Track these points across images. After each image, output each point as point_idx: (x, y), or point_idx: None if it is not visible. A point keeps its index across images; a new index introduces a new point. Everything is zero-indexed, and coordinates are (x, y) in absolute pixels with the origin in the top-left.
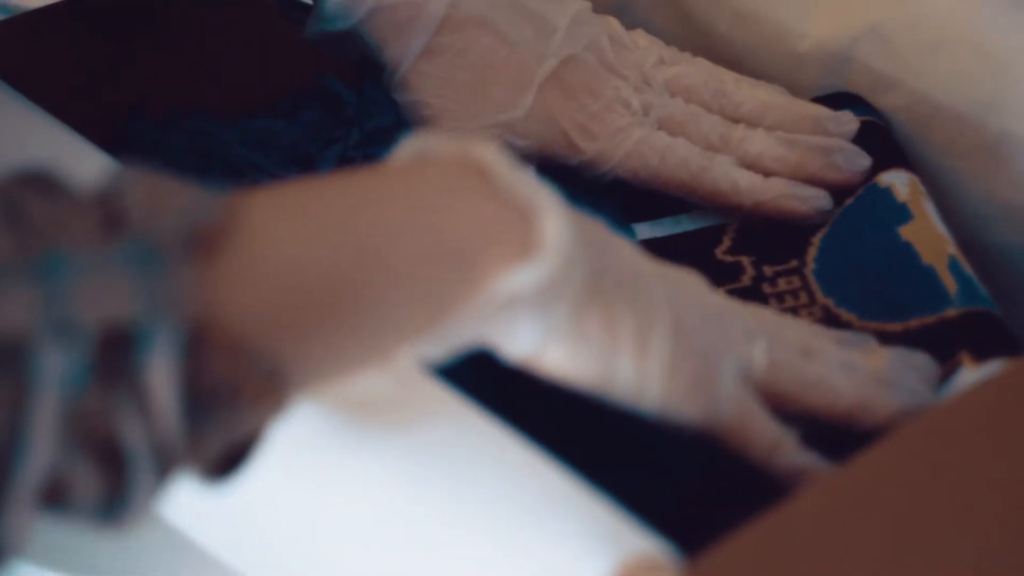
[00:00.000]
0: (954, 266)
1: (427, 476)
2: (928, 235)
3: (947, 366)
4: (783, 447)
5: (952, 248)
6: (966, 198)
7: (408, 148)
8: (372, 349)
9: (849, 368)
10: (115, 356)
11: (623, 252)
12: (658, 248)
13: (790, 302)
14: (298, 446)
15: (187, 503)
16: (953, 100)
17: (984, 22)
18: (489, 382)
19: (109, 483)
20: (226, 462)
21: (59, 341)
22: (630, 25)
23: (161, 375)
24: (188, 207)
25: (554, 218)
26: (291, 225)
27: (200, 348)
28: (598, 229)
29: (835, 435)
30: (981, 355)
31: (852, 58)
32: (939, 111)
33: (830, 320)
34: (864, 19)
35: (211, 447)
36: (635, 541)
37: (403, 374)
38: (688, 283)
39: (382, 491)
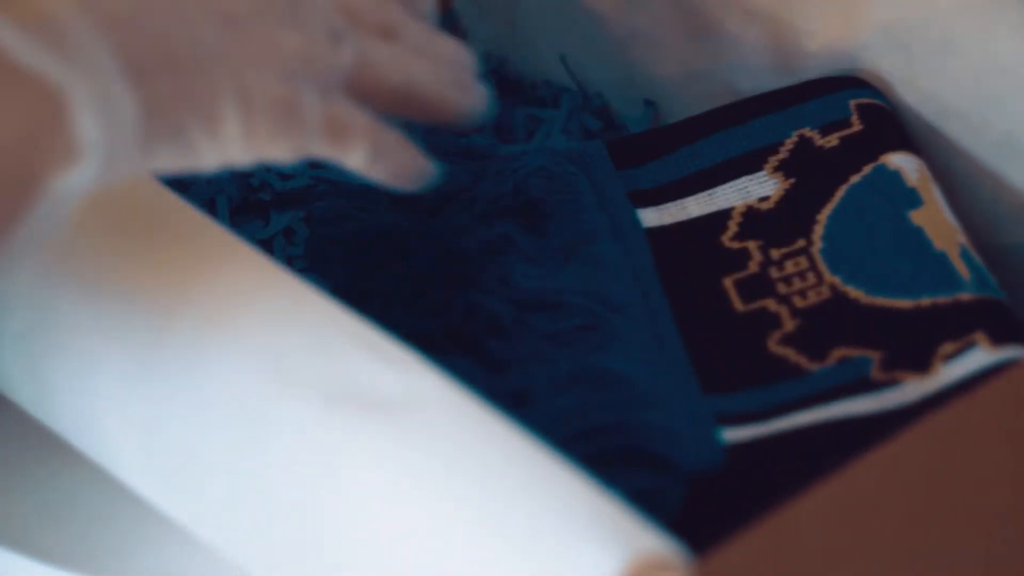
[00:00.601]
0: (966, 255)
1: (434, 473)
2: (938, 221)
3: (960, 343)
4: (386, 150)
5: (962, 238)
6: (974, 197)
7: None
8: None
9: (425, 57)
10: None
11: (178, 29)
12: (663, 237)
13: (797, 284)
14: (303, 446)
15: (185, 498)
16: (961, 100)
17: (992, 22)
18: (496, 383)
19: None
20: None
21: None
22: (639, 22)
23: None
24: None
25: (86, 108)
26: None
27: None
28: (147, 32)
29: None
30: (998, 339)
31: (861, 57)
32: (947, 110)
33: (838, 298)
34: (873, 18)
35: None
36: (644, 539)
37: (410, 373)
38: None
39: (389, 488)
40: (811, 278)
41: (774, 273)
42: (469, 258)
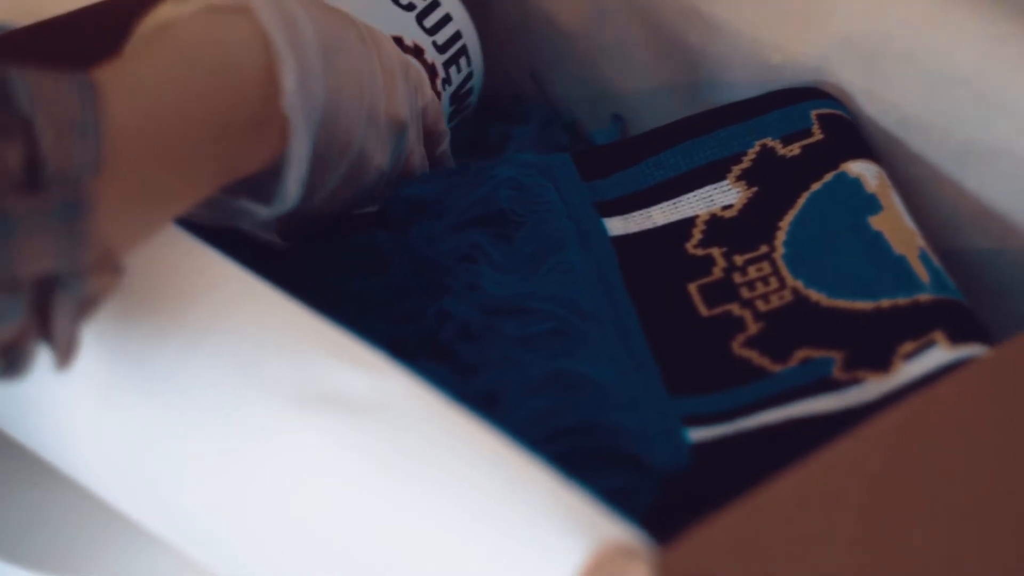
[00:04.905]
0: (925, 258)
1: (404, 470)
2: (897, 226)
3: (919, 342)
4: None
5: (921, 241)
6: (934, 203)
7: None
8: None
9: None
10: (40, 295)
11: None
12: (629, 245)
13: (760, 288)
14: (275, 447)
15: (156, 505)
16: (920, 109)
17: (951, 34)
18: (467, 387)
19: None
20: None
21: (3, 294)
22: (607, 38)
23: (66, 310)
24: (84, 137)
25: (300, 134)
26: (138, 124)
27: (92, 276)
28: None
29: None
30: (956, 338)
31: (823, 69)
32: (907, 119)
33: (800, 301)
34: (834, 31)
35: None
36: (610, 528)
37: (380, 374)
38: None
39: (360, 486)
40: (774, 282)
41: (737, 278)
42: (441, 267)
